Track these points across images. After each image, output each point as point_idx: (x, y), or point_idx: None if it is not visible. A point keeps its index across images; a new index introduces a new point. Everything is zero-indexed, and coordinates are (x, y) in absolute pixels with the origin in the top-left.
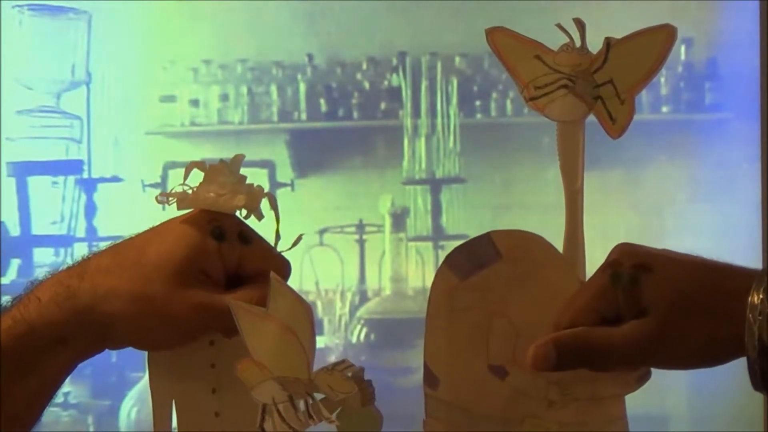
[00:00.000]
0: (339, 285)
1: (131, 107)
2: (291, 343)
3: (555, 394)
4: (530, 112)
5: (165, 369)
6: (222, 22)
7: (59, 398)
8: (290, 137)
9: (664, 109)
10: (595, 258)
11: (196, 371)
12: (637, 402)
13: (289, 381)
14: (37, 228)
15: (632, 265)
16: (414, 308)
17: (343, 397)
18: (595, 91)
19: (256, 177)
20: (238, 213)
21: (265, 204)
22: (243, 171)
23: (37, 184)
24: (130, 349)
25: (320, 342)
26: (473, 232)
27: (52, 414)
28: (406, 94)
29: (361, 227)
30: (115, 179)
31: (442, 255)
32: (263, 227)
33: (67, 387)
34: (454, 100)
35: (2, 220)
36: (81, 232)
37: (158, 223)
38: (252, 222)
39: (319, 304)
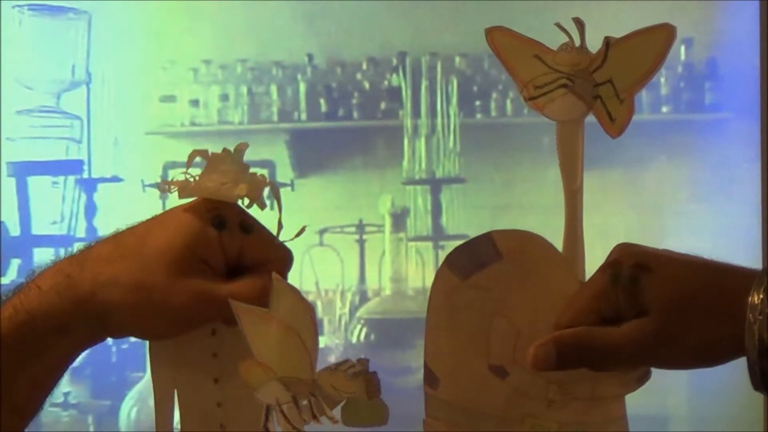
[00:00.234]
0: (339, 285)
1: (131, 107)
2: (294, 344)
3: (555, 394)
4: (530, 112)
5: (166, 359)
6: (222, 22)
7: (59, 398)
8: (290, 137)
9: (664, 109)
10: (595, 258)
11: (198, 361)
12: (637, 402)
13: (293, 381)
14: (37, 228)
15: (632, 265)
16: (414, 308)
17: (346, 397)
18: (594, 90)
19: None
20: (240, 202)
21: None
22: None
23: (37, 184)
24: (130, 350)
25: (320, 342)
26: (473, 232)
27: (52, 414)
28: (406, 94)
29: (361, 227)
30: (115, 179)
31: (442, 255)
32: (267, 217)
33: (67, 387)
34: (454, 100)
35: (2, 220)
36: (81, 232)
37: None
38: (257, 213)
39: (319, 304)
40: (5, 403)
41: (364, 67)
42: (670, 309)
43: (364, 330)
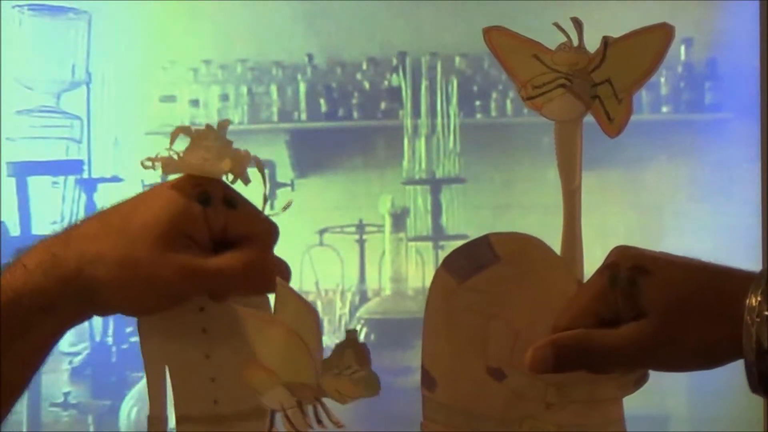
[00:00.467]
0: (339, 285)
1: (131, 107)
2: (298, 348)
3: (553, 396)
4: (530, 112)
5: (157, 337)
6: (222, 22)
7: (59, 398)
8: (290, 137)
9: (664, 109)
10: (594, 258)
11: (188, 338)
12: (637, 402)
13: (297, 386)
14: (37, 228)
15: (630, 267)
16: (414, 308)
17: (351, 401)
18: (592, 90)
19: (256, 177)
20: (225, 178)
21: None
22: None
23: (37, 184)
24: (130, 350)
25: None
26: (473, 232)
27: (52, 414)
28: (406, 94)
29: (361, 227)
30: (115, 179)
31: (442, 255)
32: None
33: (67, 387)
34: (454, 100)
35: (2, 220)
36: None
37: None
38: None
39: (319, 304)
40: None
41: (364, 67)
42: (667, 311)
43: (364, 330)
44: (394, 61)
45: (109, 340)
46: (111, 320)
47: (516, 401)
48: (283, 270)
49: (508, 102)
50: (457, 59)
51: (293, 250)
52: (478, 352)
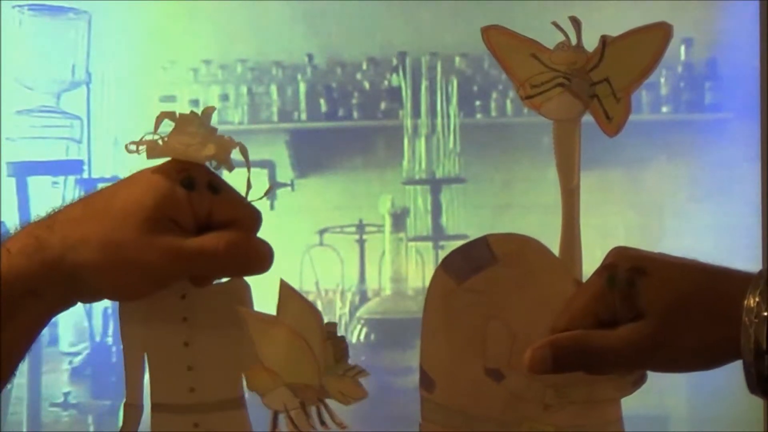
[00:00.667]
0: (339, 285)
1: (131, 107)
2: (301, 350)
3: (551, 397)
4: (530, 112)
5: (137, 323)
6: (222, 22)
7: (59, 398)
8: (290, 137)
9: (664, 109)
10: (594, 258)
11: (167, 324)
12: (636, 402)
13: (301, 387)
14: None
15: (628, 268)
16: (414, 308)
17: (354, 402)
18: (591, 89)
19: (256, 177)
20: (209, 164)
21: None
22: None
23: (37, 184)
24: None
25: None
26: (473, 232)
27: (52, 414)
28: (406, 94)
29: (361, 227)
30: (115, 179)
31: (442, 255)
32: (267, 217)
33: (67, 387)
34: (454, 100)
35: (2, 220)
36: None
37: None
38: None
39: (319, 304)
40: None
41: (364, 67)
42: (666, 312)
43: (364, 330)
44: (394, 61)
45: (109, 340)
46: (111, 320)
47: (514, 402)
48: (265, 251)
49: (508, 102)
50: (457, 59)
51: (293, 250)
52: (477, 352)
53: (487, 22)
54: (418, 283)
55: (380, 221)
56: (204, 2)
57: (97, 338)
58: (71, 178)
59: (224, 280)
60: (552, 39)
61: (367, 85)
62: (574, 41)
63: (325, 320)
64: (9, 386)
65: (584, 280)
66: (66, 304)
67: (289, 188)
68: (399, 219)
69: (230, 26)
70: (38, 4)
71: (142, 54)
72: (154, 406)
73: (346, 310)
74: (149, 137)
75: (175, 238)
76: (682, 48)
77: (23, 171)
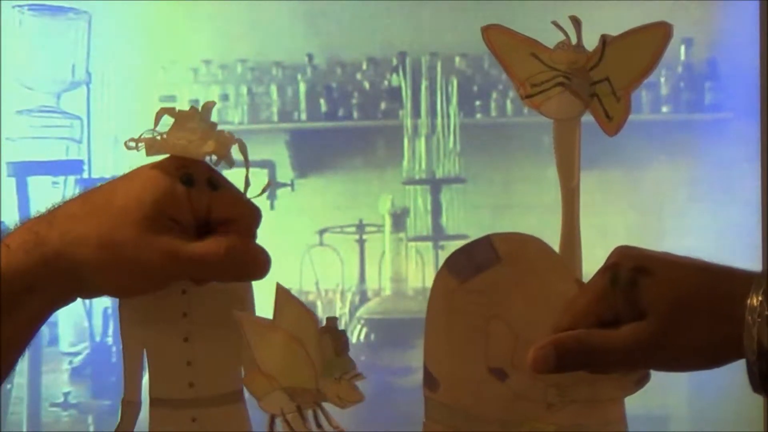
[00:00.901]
0: (339, 285)
1: (131, 107)
2: (298, 354)
3: (554, 397)
4: (530, 111)
5: (137, 318)
6: (222, 22)
7: (59, 398)
8: (290, 137)
9: (664, 109)
10: (595, 257)
11: (168, 320)
12: (637, 402)
13: (297, 391)
14: None
15: (631, 267)
16: (414, 308)
17: (351, 406)
18: (591, 88)
19: (256, 177)
20: (209, 160)
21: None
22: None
23: (37, 184)
24: None
25: None
26: (473, 232)
27: (52, 414)
28: (406, 94)
29: (361, 227)
30: None
31: (442, 255)
32: (267, 218)
33: (67, 387)
34: (454, 100)
35: (2, 220)
36: None
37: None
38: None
39: (319, 304)
40: None
41: (364, 67)
42: (668, 311)
43: (364, 330)
44: (394, 61)
45: (109, 340)
46: (111, 320)
47: (517, 401)
48: (263, 259)
49: (508, 102)
50: (457, 59)
51: (293, 250)
52: (480, 352)
53: (487, 21)
54: (418, 283)
55: (380, 221)
56: (204, 2)
57: (97, 338)
58: (71, 178)
59: None
60: (552, 38)
61: (367, 85)
62: (574, 40)
63: (325, 320)
64: (9, 386)
65: (585, 279)
66: (65, 299)
67: (289, 188)
68: (399, 219)
69: (230, 26)
70: (38, 4)
71: (142, 54)
72: (153, 401)
73: (346, 310)
74: (148, 134)
75: (174, 239)
76: (682, 48)
77: (23, 171)
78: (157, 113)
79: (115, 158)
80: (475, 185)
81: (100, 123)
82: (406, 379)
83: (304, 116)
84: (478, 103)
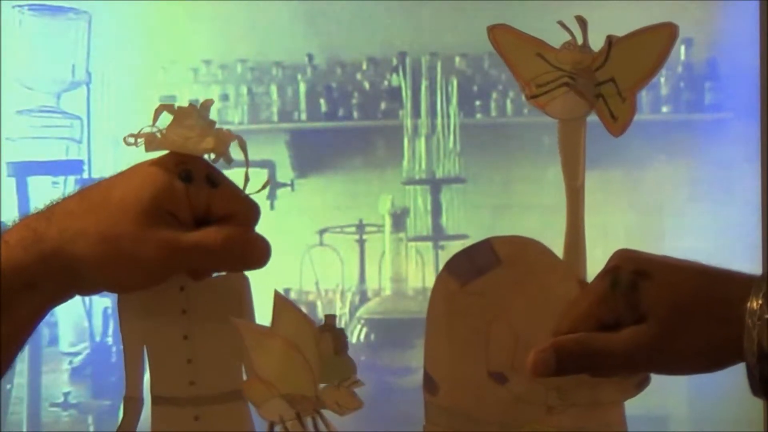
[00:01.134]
0: (339, 285)
1: (131, 107)
2: (296, 360)
3: (554, 400)
4: (530, 111)
5: (136, 316)
6: (222, 22)
7: (59, 398)
8: (290, 137)
9: (664, 109)
10: (595, 257)
11: (167, 318)
12: (637, 402)
13: (296, 398)
14: None
15: (632, 271)
16: (414, 308)
17: (350, 413)
18: (596, 89)
19: (256, 177)
20: (207, 157)
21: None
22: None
23: (37, 184)
24: None
25: None
26: (473, 232)
27: (52, 414)
28: (406, 94)
29: (361, 227)
30: None
31: (442, 255)
32: (267, 217)
33: (67, 387)
34: (454, 100)
35: (2, 220)
36: None
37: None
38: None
39: (319, 304)
40: None
41: (364, 67)
42: (669, 315)
43: (364, 330)
44: (394, 61)
45: (109, 339)
46: (111, 320)
47: (517, 405)
48: (263, 246)
49: (508, 102)
50: (457, 59)
51: (293, 250)
52: (480, 355)
53: (488, 22)
54: (418, 283)
55: (380, 221)
56: (204, 2)
57: (97, 338)
58: (71, 178)
59: (223, 273)
60: (552, 39)
61: (367, 85)
62: (579, 41)
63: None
64: (9, 386)
65: (587, 279)
66: (64, 296)
67: (289, 188)
68: (399, 219)
69: (230, 26)
70: (38, 4)
71: (142, 54)
72: (155, 399)
73: (346, 310)
74: (147, 130)
75: (172, 231)
76: (682, 48)
77: (23, 171)
78: (156, 110)
79: (115, 158)
80: (475, 185)
81: (100, 123)
82: (406, 379)
83: (304, 116)
84: (478, 103)
